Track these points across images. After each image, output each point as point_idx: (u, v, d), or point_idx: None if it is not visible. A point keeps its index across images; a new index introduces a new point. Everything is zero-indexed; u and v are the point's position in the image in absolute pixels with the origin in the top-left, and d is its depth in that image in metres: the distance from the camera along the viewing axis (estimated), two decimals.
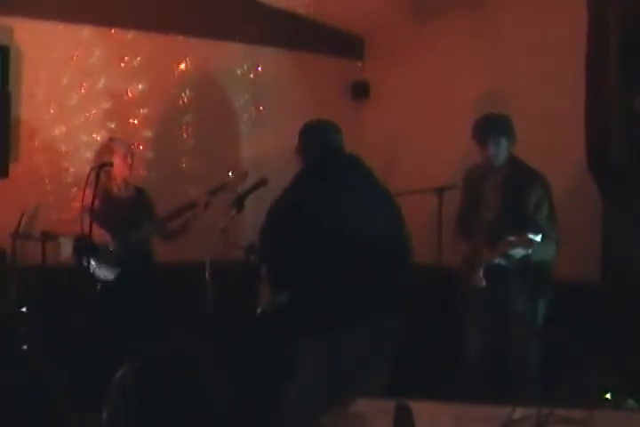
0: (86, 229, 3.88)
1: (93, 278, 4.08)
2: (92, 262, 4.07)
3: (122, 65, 5.03)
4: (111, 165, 3.98)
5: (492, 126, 3.67)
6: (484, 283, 3.58)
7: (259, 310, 3.32)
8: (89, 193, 3.81)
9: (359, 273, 2.95)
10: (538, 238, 3.27)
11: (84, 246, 3.99)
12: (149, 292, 4.17)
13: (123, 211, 4.17)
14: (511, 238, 3.34)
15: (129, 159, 4.22)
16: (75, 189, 4.54)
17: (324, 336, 2.92)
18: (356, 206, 3.01)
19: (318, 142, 3.22)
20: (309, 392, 2.93)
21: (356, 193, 3.05)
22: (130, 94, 5.07)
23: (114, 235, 4.08)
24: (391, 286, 3.05)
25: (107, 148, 4.25)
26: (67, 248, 4.11)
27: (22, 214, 4.31)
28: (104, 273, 4.09)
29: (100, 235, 4.01)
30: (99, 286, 4.08)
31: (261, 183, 3.59)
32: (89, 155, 4.85)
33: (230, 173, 4.10)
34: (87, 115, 4.92)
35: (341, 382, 2.83)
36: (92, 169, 3.86)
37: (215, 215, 3.92)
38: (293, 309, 3.04)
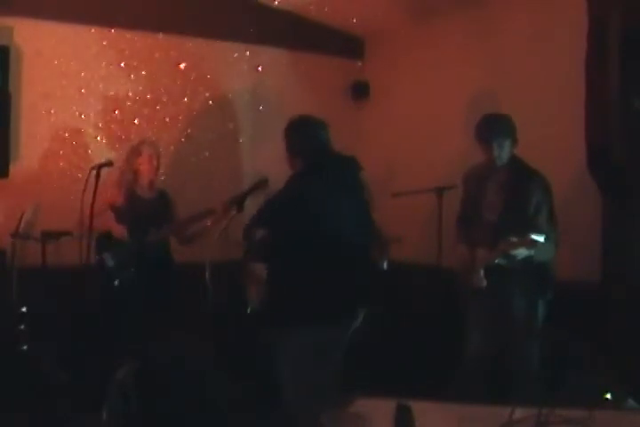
0: (107, 226, 3.95)
1: (110, 275, 4.10)
2: (111, 259, 4.09)
3: (122, 65, 5.03)
4: (111, 165, 3.99)
5: (496, 128, 3.66)
6: (484, 283, 3.58)
7: (249, 309, 3.37)
8: (114, 192, 4.09)
9: (329, 274, 3.08)
10: (541, 239, 3.27)
11: (105, 242, 4.02)
12: (166, 291, 4.18)
13: (144, 210, 4.20)
14: (513, 239, 3.35)
15: (155, 161, 4.26)
16: (75, 190, 4.54)
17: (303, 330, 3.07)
18: (333, 208, 3.13)
19: (309, 140, 3.27)
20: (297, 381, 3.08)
21: (335, 196, 3.15)
22: (130, 94, 5.07)
23: (132, 233, 4.10)
24: (355, 284, 3.17)
25: (135, 150, 4.29)
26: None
27: (22, 214, 4.32)
28: (120, 270, 4.11)
29: (118, 231, 4.06)
30: (116, 283, 4.09)
31: (261, 184, 3.60)
32: (89, 155, 4.86)
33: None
34: (87, 115, 4.93)
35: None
36: (91, 169, 3.88)
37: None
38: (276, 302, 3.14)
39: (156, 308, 4.03)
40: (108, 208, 4.10)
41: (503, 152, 3.64)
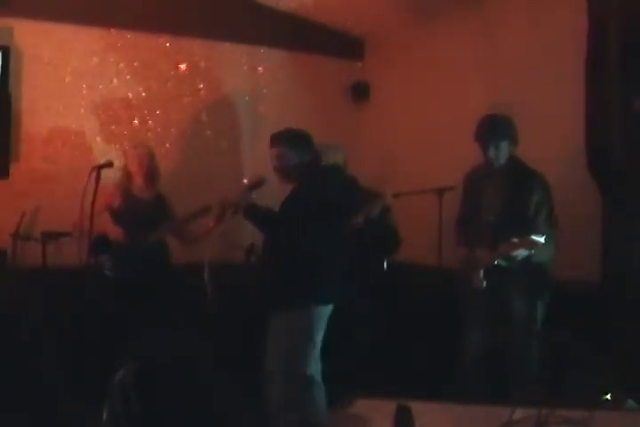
0: (102, 227, 3.95)
1: (106, 277, 4.10)
2: (107, 261, 4.09)
3: (122, 65, 5.03)
4: (111, 165, 3.98)
5: (494, 129, 3.67)
6: (484, 284, 3.58)
7: None
8: (111, 193, 4.12)
9: None
10: (541, 240, 3.27)
11: (101, 244, 4.03)
12: (164, 292, 4.18)
13: (141, 211, 4.21)
14: (515, 240, 3.34)
15: (148, 163, 4.28)
16: (75, 190, 4.54)
17: None
18: None
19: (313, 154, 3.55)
20: None
21: None
22: (130, 95, 5.07)
23: (129, 234, 4.11)
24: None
25: (128, 152, 4.35)
26: None
27: (22, 215, 4.32)
28: (116, 272, 4.11)
29: (114, 233, 4.06)
30: (112, 285, 4.09)
31: (260, 183, 3.60)
32: (89, 155, 4.86)
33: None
34: (87, 115, 4.92)
35: None
36: (92, 170, 3.87)
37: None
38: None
39: (154, 308, 4.03)
40: (105, 210, 4.11)
41: (500, 153, 3.65)
